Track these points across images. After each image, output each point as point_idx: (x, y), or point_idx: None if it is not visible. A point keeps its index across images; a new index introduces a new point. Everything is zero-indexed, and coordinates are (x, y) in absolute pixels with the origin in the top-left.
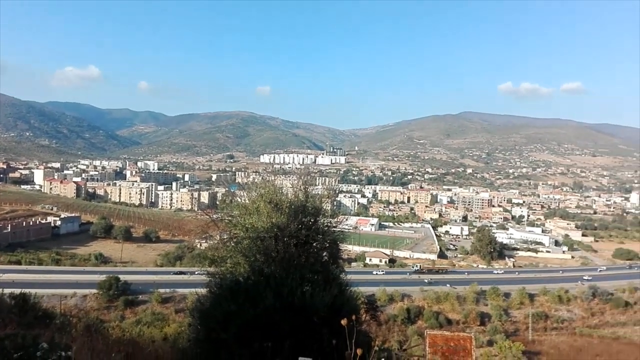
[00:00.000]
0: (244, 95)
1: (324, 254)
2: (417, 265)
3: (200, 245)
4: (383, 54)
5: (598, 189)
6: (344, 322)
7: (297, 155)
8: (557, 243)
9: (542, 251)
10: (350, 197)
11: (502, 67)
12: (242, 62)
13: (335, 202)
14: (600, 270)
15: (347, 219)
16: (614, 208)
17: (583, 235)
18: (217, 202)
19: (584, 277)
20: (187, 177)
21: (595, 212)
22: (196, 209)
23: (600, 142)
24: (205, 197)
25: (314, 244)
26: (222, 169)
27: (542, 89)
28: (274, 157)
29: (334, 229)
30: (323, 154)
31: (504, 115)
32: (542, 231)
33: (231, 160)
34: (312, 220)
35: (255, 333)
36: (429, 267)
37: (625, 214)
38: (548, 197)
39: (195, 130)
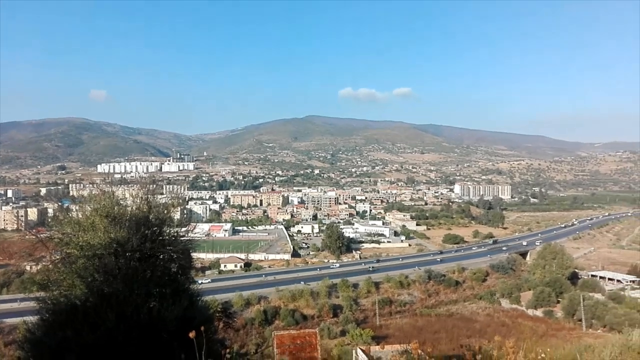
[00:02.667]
0: (75, 100)
1: (173, 265)
2: None
3: (32, 268)
4: (226, 59)
5: (427, 183)
6: (191, 334)
7: (141, 164)
8: (396, 233)
9: (383, 242)
10: (202, 204)
11: (343, 73)
12: (71, 64)
13: (184, 210)
14: (434, 255)
15: (196, 227)
16: (441, 199)
17: (417, 224)
18: (49, 219)
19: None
20: (10, 193)
21: (426, 203)
22: (23, 229)
23: (427, 141)
24: (34, 215)
25: (161, 257)
26: (53, 182)
27: (377, 94)
28: (114, 166)
29: (183, 238)
30: (169, 160)
31: (345, 118)
32: (383, 223)
33: (63, 171)
34: (156, 231)
35: (98, 358)
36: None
37: (451, 204)
38: (386, 192)
39: (17, 139)
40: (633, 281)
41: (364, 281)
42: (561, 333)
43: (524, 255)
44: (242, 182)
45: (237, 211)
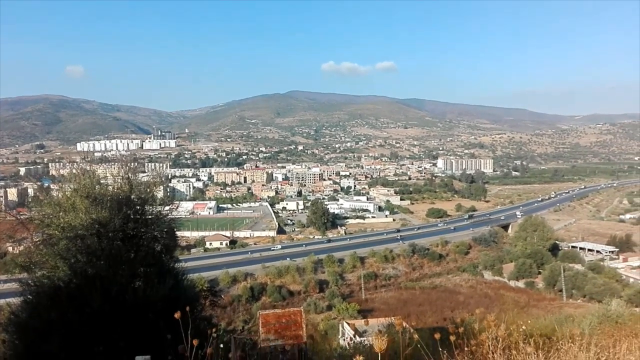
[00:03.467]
0: (51, 76)
1: (157, 245)
2: None
3: (14, 249)
4: (206, 33)
5: (411, 158)
6: (177, 315)
7: (121, 141)
8: (380, 209)
9: (368, 217)
10: (185, 182)
11: (325, 47)
12: (45, 39)
13: (167, 189)
14: (418, 229)
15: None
16: (424, 173)
17: (401, 199)
18: (29, 200)
19: (398, 237)
20: None
21: (410, 178)
22: (3, 209)
23: (410, 115)
24: (13, 195)
25: (144, 236)
26: (32, 161)
27: (360, 68)
28: (93, 144)
29: (166, 217)
30: (150, 138)
31: (328, 93)
32: (367, 199)
33: (42, 150)
34: (139, 211)
35: (84, 339)
36: None
37: (434, 178)
38: (370, 167)
39: None
40: (612, 252)
41: (349, 256)
42: (542, 304)
43: (505, 228)
44: (226, 159)
45: (221, 189)
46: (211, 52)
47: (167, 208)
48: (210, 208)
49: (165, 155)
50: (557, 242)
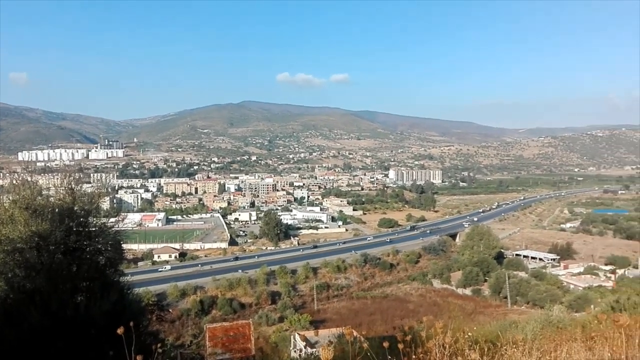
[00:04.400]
0: None
1: (101, 258)
2: None
3: None
4: (157, 40)
5: (363, 168)
6: (120, 330)
7: (66, 151)
8: (333, 219)
9: (321, 227)
10: (133, 193)
11: (280, 58)
12: None
13: (114, 200)
14: (369, 240)
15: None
16: (376, 184)
17: (354, 209)
18: None
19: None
20: None
21: (362, 189)
22: None
23: (363, 127)
24: None
25: (87, 249)
26: None
27: (315, 79)
28: (36, 153)
29: (111, 229)
30: (97, 147)
31: (282, 104)
32: (321, 209)
33: None
34: (82, 223)
35: (22, 356)
36: None
37: (385, 189)
38: (324, 178)
39: None
40: (554, 259)
41: (302, 267)
42: (488, 310)
43: (453, 237)
44: (176, 170)
45: (171, 200)
46: (162, 60)
47: (112, 220)
48: (159, 219)
49: (113, 166)
50: (502, 250)
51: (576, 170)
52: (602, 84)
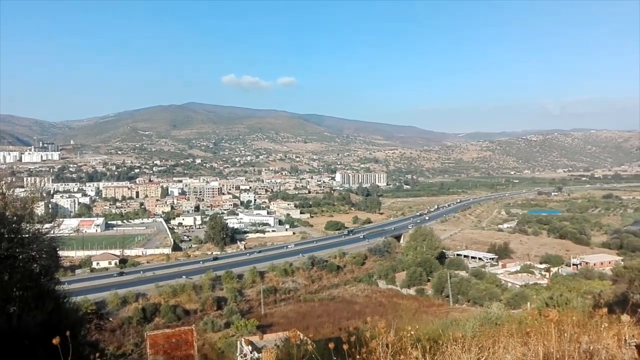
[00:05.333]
0: None
1: (35, 266)
2: None
3: None
4: (94, 38)
5: (310, 171)
6: (55, 340)
7: None
8: (280, 222)
9: (268, 231)
10: (69, 197)
11: (226, 60)
12: None
13: (49, 205)
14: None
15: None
16: (323, 187)
17: (301, 212)
18: None
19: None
20: None
21: (309, 192)
22: None
23: (309, 130)
24: None
25: (20, 257)
26: None
27: (262, 82)
28: None
29: (46, 236)
30: (30, 150)
31: (228, 106)
32: (268, 213)
33: None
34: (14, 229)
35: None
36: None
37: (332, 191)
38: (271, 181)
39: None
40: (492, 258)
41: (248, 271)
42: (431, 309)
43: (398, 238)
44: (116, 173)
45: (111, 204)
46: (100, 59)
47: (47, 226)
48: (98, 225)
49: (48, 169)
50: (444, 250)
51: (512, 173)
52: (536, 91)
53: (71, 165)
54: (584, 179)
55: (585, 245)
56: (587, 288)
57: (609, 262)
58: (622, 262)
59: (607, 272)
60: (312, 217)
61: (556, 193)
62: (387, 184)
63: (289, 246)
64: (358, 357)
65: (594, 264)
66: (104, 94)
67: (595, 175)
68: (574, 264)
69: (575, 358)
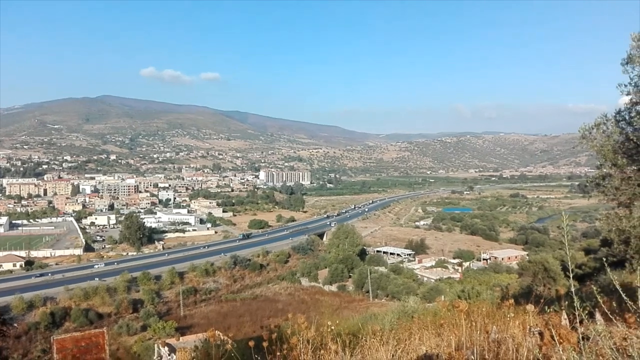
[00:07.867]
0: None
1: None
2: None
3: None
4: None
5: (234, 169)
6: None
7: None
8: (202, 221)
9: (189, 230)
10: None
11: (146, 52)
12: None
13: None
14: (239, 241)
15: None
16: (247, 185)
17: (224, 211)
18: None
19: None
20: None
21: (232, 190)
22: None
23: (233, 127)
24: None
25: None
26: None
27: (184, 77)
28: None
29: None
30: None
31: (145, 100)
32: (188, 211)
33: None
34: None
35: None
36: None
37: (256, 190)
38: (192, 179)
39: None
40: (409, 254)
41: (167, 272)
42: (352, 305)
43: (321, 236)
44: (21, 169)
45: (15, 202)
46: (3, 47)
47: None
48: (1, 224)
49: None
50: (365, 247)
51: (428, 172)
52: (451, 95)
53: None
54: (493, 178)
55: (494, 241)
56: (495, 281)
57: (516, 257)
58: (527, 257)
59: (514, 266)
60: (235, 215)
61: (468, 192)
62: (311, 183)
63: (210, 246)
64: (279, 354)
65: (502, 259)
66: (7, 84)
67: (504, 176)
68: (484, 259)
69: (484, 347)
